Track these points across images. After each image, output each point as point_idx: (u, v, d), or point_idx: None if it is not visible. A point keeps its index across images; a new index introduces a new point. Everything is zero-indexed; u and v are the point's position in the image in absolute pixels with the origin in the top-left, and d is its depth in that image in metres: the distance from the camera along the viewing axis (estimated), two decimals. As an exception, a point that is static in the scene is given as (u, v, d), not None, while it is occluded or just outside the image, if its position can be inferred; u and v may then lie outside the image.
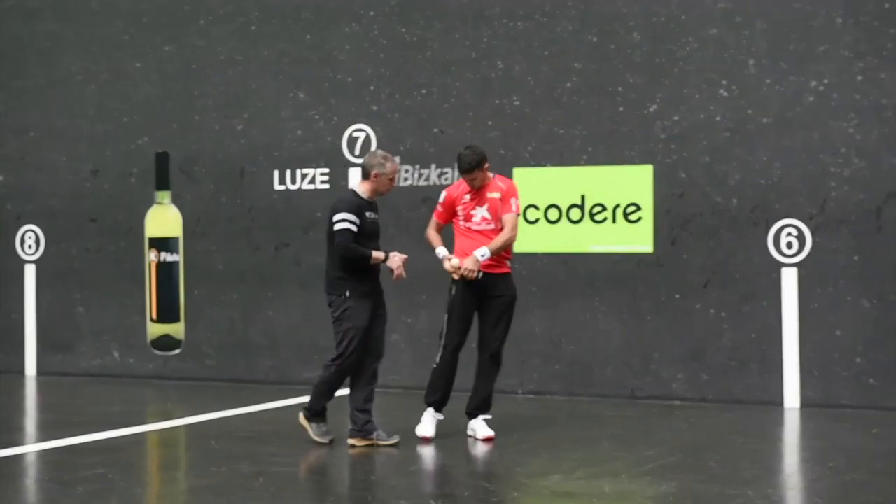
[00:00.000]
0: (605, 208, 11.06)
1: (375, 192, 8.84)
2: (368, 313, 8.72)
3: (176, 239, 12.60)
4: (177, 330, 12.63)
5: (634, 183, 10.94)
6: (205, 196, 12.48)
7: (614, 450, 8.68)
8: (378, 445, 8.73)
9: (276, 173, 12.21)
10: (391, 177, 8.84)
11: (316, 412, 8.92)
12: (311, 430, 8.90)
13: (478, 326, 9.20)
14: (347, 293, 8.68)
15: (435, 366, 9.18)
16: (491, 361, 9.16)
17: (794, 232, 10.45)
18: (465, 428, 9.21)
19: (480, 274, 8.91)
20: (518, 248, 11.30)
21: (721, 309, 10.69)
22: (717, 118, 10.70)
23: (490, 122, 11.45)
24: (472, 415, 9.16)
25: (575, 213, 11.14)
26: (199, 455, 8.82)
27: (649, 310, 10.90)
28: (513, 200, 9.09)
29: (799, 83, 10.46)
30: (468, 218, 9.11)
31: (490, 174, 9.13)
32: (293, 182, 12.15)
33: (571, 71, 11.18)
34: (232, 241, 12.39)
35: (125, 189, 12.78)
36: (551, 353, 11.23)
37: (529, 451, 8.64)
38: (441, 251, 9.13)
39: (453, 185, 9.44)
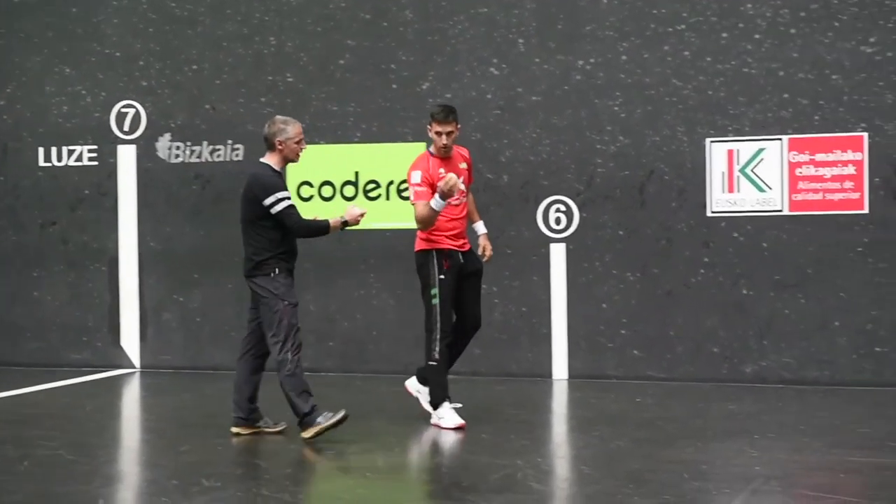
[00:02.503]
0: (378, 185, 11.11)
1: (285, 160, 8.20)
2: (294, 289, 8.20)
3: (-65, 218, 12.11)
4: (-63, 313, 12.14)
5: (408, 160, 10.96)
6: (-35, 173, 12.04)
7: (388, 425, 8.74)
8: (265, 433, 8.35)
9: (41, 150, 11.85)
10: (297, 140, 8.18)
11: (308, 413, 8.08)
12: (323, 423, 8.03)
13: (456, 307, 8.69)
14: (276, 270, 8.08)
15: (434, 363, 8.51)
16: (472, 334, 8.82)
17: (563, 208, 10.69)
18: (221, 406, 9.20)
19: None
20: (292, 225, 11.26)
21: (493, 284, 10.85)
22: (488, 96, 10.86)
23: (263, 99, 11.36)
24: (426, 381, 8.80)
25: (349, 190, 11.15)
26: (-39, 440, 8.52)
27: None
28: (472, 176, 8.90)
29: (567, 62, 10.69)
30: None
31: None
32: (59, 159, 11.82)
33: (344, 48, 11.17)
34: (-5, 220, 11.99)
35: None
36: (326, 330, 11.23)
37: (303, 427, 8.63)
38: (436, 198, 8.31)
39: (417, 162, 8.59)
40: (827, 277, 10.17)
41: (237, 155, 11.39)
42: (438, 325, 8.52)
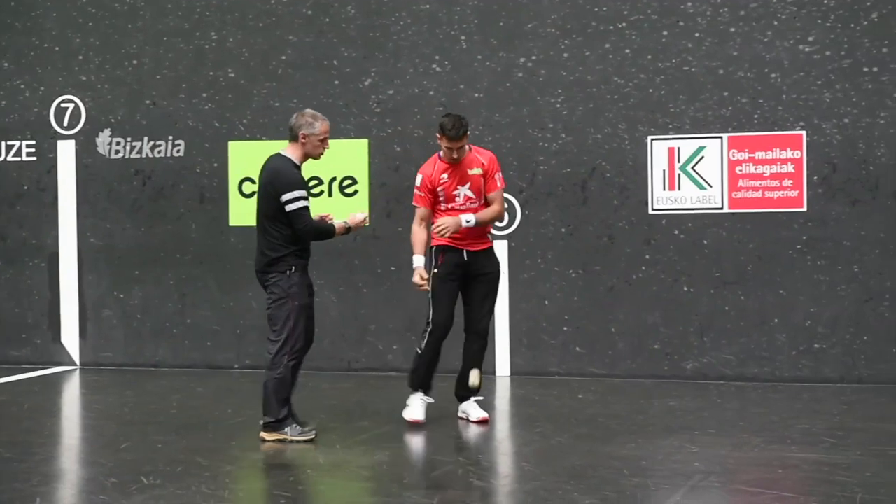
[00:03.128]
0: (321, 182, 11.07)
1: (306, 156, 7.97)
2: (307, 289, 8.08)
3: None
4: None
5: (350, 157, 10.99)
6: None
7: (330, 421, 8.71)
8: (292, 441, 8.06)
9: (-21, 145, 11.76)
10: (322, 138, 7.97)
11: (280, 420, 7.96)
12: (289, 434, 7.94)
13: (462, 306, 8.64)
14: (293, 268, 7.91)
15: (419, 352, 8.51)
16: (478, 341, 8.63)
17: (506, 205, 10.68)
18: (162, 403, 9.12)
19: (446, 232, 8.27)
20: (234, 220, 11.25)
21: (435, 281, 10.87)
22: (431, 93, 10.86)
23: (204, 95, 11.30)
24: (464, 397, 8.69)
25: (291, 187, 11.09)
26: None
27: (366, 282, 10.99)
28: (497, 176, 8.49)
29: (508, 59, 10.71)
30: (450, 199, 8.40)
31: (466, 146, 8.45)
32: (-3, 154, 11.72)
33: (286, 44, 11.13)
34: (-68, 216, 11.84)
35: None
36: (267, 326, 11.15)
37: (244, 425, 8.58)
38: (419, 260, 8.44)
39: (425, 164, 8.52)
40: (766, 275, 10.26)
41: (178, 150, 11.32)
42: (430, 317, 8.49)
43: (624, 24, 10.47)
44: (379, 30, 10.95)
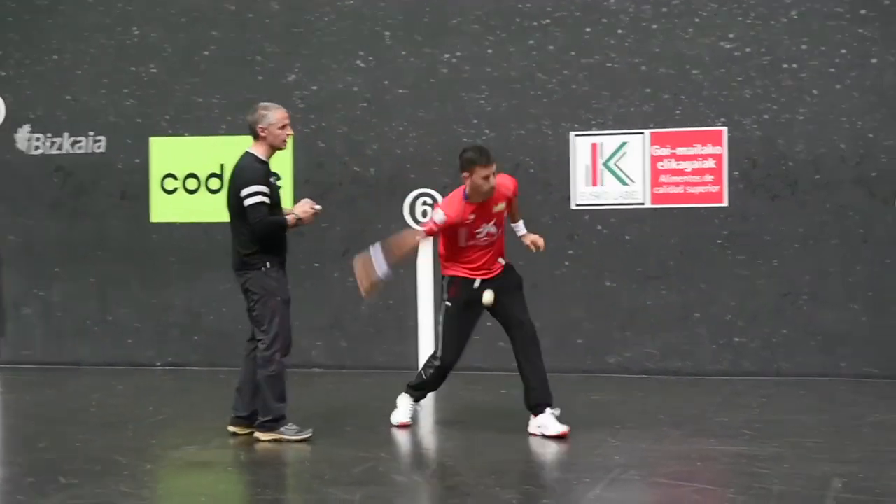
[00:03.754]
0: (244, 178, 10.99)
1: (271, 148, 7.84)
2: (287, 284, 7.93)
3: None
4: None
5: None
6: None
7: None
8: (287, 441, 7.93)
9: None
10: (281, 125, 7.82)
11: (276, 420, 7.84)
12: (286, 434, 7.80)
13: (498, 317, 8.28)
14: (268, 264, 7.79)
15: (422, 378, 8.26)
16: (532, 341, 8.20)
17: (429, 200, 10.70)
18: (83, 402, 9.03)
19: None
20: (156, 217, 11.16)
21: (359, 277, 10.85)
22: (355, 89, 10.83)
23: (126, 90, 11.19)
24: (538, 409, 8.07)
25: (214, 183, 11.03)
26: None
27: (289, 279, 10.91)
28: (516, 200, 8.22)
29: (433, 55, 10.71)
30: (472, 237, 8.02)
31: None
32: (-86, 150, 11.52)
33: (209, 39, 11.06)
34: None
35: None
36: (191, 323, 11.12)
37: (166, 422, 8.54)
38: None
39: (450, 204, 7.99)
40: (688, 269, 10.35)
41: (99, 146, 11.21)
42: (439, 352, 8.27)
43: (548, 21, 10.51)
44: (303, 25, 10.91)
